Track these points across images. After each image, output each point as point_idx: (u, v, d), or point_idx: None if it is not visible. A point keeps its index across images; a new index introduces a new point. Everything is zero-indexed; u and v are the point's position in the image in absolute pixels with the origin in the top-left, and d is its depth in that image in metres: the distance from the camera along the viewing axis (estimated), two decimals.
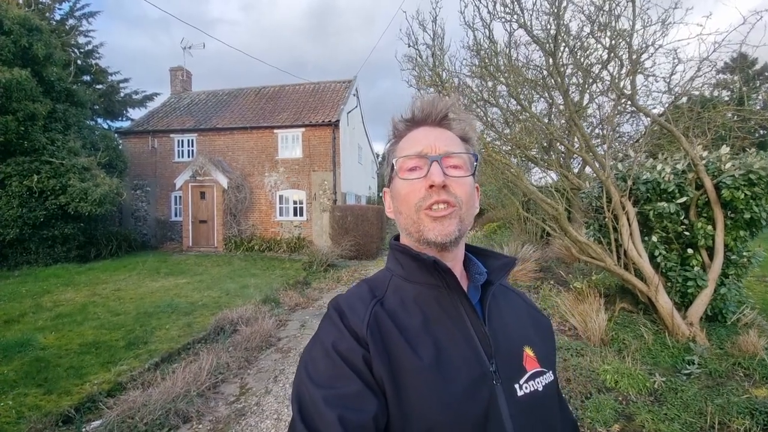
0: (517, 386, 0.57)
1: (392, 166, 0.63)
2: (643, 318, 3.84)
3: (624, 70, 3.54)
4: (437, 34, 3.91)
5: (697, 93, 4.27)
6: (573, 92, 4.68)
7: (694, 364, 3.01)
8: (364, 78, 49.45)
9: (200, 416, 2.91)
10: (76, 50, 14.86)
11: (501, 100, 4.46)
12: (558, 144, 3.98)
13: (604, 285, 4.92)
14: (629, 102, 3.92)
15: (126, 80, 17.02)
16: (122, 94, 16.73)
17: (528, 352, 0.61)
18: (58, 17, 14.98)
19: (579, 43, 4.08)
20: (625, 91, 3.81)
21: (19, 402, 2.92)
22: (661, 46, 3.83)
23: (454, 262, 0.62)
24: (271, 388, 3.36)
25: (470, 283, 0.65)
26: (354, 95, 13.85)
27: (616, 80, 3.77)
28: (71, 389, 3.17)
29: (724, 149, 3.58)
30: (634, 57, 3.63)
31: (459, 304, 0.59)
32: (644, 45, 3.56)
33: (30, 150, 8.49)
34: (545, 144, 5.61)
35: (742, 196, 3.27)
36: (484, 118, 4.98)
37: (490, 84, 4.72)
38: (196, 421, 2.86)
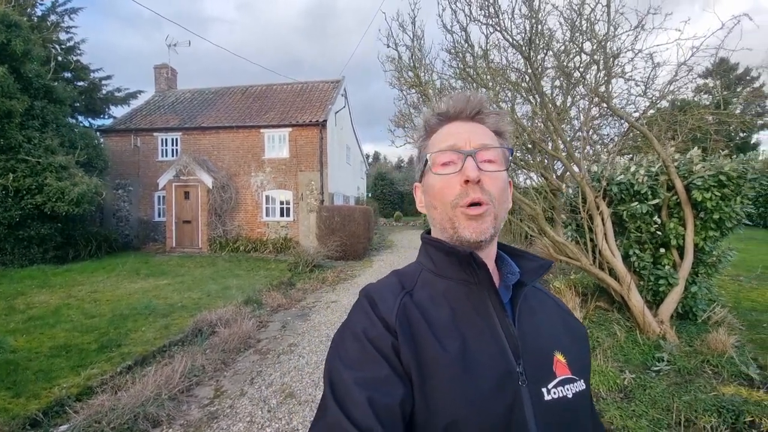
0: (544, 390, 0.55)
1: (425, 161, 0.62)
2: (618, 316, 3.91)
3: (601, 75, 3.60)
4: (417, 36, 3.93)
5: (671, 97, 4.39)
6: (556, 95, 4.76)
7: (663, 361, 3.07)
8: (355, 79, 49.34)
9: (171, 420, 2.85)
10: (57, 46, 14.44)
11: None
12: (537, 146, 4.03)
13: (582, 284, 5.01)
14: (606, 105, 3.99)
15: (109, 77, 16.60)
16: (104, 92, 16.32)
17: (559, 357, 0.59)
18: (39, 13, 14.55)
19: (561, 47, 4.14)
20: (603, 94, 3.89)
21: None
22: (640, 50, 3.91)
23: (487, 260, 0.61)
24: (247, 390, 3.32)
25: (501, 282, 0.64)
26: (342, 95, 13.81)
27: (592, 84, 3.84)
28: (40, 393, 3.07)
29: (695, 151, 3.68)
30: (609, 62, 3.70)
31: (489, 301, 0.58)
32: (618, 50, 3.63)
33: (6, 148, 8.22)
34: (529, 145, 5.70)
35: (712, 196, 3.36)
36: None
37: (474, 86, 4.78)
38: (166, 425, 2.79)
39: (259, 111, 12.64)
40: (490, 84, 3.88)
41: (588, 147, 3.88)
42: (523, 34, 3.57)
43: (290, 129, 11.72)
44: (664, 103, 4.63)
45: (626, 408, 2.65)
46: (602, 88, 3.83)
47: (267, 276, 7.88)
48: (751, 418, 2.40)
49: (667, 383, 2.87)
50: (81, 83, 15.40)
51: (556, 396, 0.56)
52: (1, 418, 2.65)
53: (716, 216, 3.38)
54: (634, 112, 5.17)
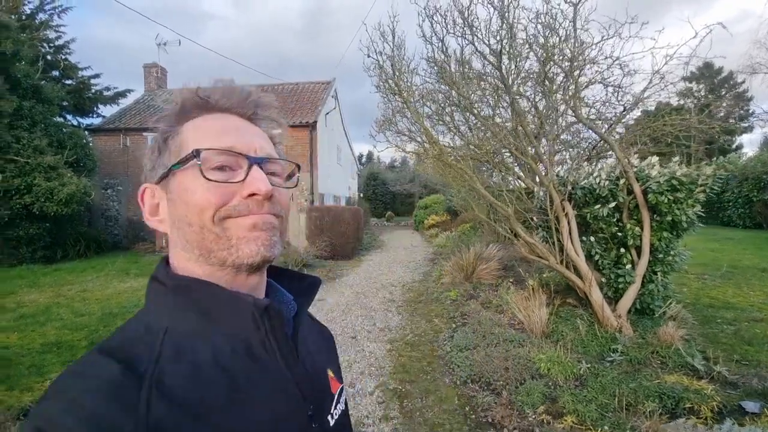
0: (329, 417, 0.54)
1: (184, 156, 0.46)
2: (583, 312, 4.19)
3: (570, 85, 3.86)
4: (397, 46, 4.15)
5: (642, 106, 4.67)
6: (539, 100, 5.00)
7: (617, 352, 3.35)
8: (348, 79, 49.44)
9: None
10: (45, 45, 14.35)
11: (455, 111, 4.74)
12: (508, 150, 4.28)
13: (554, 282, 5.28)
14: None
15: (97, 76, 16.49)
16: (93, 91, 16.22)
17: (330, 374, 0.58)
18: (28, 11, 14.43)
19: (529, 56, 4.39)
20: (570, 102, 4.15)
21: None
22: (617, 58, 4.15)
23: (260, 289, 0.51)
24: None
25: None
26: (333, 97, 13.98)
27: (560, 93, 4.10)
28: (33, 386, 3.23)
29: (654, 159, 3.96)
30: (575, 73, 3.97)
31: (278, 354, 0.47)
32: (584, 61, 3.89)
33: None
34: (511, 149, 5.98)
35: (666, 200, 3.64)
36: (450, 123, 5.26)
37: (454, 93, 5.02)
38: None
39: None
40: (463, 90, 4.11)
41: (552, 152, 4.14)
42: (495, 46, 3.81)
43: None
44: (638, 111, 4.92)
45: (578, 394, 2.90)
46: (570, 97, 4.09)
47: None
48: (690, 405, 2.67)
49: (618, 372, 3.13)
50: (69, 82, 15.30)
51: (337, 417, 0.55)
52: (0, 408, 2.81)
53: (669, 218, 3.66)
54: (611, 117, 5.48)
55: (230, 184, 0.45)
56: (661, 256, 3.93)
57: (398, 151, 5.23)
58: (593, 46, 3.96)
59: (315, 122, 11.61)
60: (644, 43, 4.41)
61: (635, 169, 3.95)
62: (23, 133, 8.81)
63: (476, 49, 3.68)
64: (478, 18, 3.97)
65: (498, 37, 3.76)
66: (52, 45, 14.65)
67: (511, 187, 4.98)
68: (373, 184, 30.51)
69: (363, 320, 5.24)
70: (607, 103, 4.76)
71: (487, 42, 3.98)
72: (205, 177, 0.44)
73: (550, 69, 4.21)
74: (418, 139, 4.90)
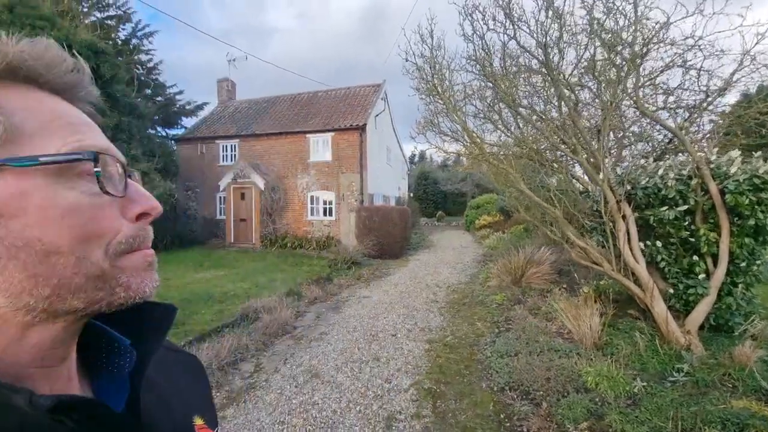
0: None
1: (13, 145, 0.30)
2: (644, 325, 3.79)
3: (630, 78, 3.54)
4: (435, 47, 4.15)
5: (735, 90, 4.06)
6: (594, 92, 4.61)
7: (681, 372, 2.98)
8: (401, 80, 49.70)
9: (219, 386, 3.46)
10: (139, 67, 16.85)
11: (503, 109, 4.58)
12: (556, 147, 4.02)
13: (613, 291, 4.84)
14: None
15: (181, 92, 18.95)
16: (177, 105, 18.64)
17: (198, 422, 0.47)
18: (123, 37, 17.09)
19: (582, 47, 4.08)
20: (630, 92, 3.79)
21: None
22: (700, 37, 3.68)
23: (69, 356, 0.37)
24: (280, 368, 3.85)
25: (97, 379, 0.40)
26: (383, 99, 14.25)
27: (617, 83, 3.76)
28: None
29: (734, 153, 3.44)
30: (637, 61, 3.61)
31: None
32: (647, 49, 3.52)
33: None
34: (559, 146, 5.58)
35: (747, 201, 3.15)
36: (499, 121, 5.10)
37: (503, 86, 4.85)
38: (215, 389, 3.40)
39: (305, 117, 13.58)
40: (506, 86, 3.97)
41: (605, 147, 3.80)
42: (541, 38, 3.62)
43: (332, 133, 12.44)
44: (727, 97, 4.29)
45: (629, 414, 2.67)
46: (630, 87, 3.74)
47: (308, 271, 8.58)
48: None
49: (680, 393, 2.80)
50: (159, 98, 17.74)
51: None
52: None
53: (752, 222, 3.15)
54: (690, 106, 4.84)
55: (108, 199, 0.34)
56: (743, 265, 3.40)
57: (440, 151, 5.21)
58: (666, 27, 3.54)
59: (364, 124, 11.96)
60: (730, 20, 3.84)
61: (712, 166, 3.46)
62: (122, 145, 10.47)
63: (519, 44, 3.53)
64: (524, 11, 3.81)
65: (544, 29, 3.57)
66: (144, 67, 17.08)
67: (561, 186, 4.68)
68: (423, 184, 30.36)
69: (405, 319, 5.33)
70: (686, 90, 4.22)
71: (534, 35, 3.80)
72: (104, 190, 0.33)
73: (609, 56, 3.87)
74: (461, 139, 4.83)
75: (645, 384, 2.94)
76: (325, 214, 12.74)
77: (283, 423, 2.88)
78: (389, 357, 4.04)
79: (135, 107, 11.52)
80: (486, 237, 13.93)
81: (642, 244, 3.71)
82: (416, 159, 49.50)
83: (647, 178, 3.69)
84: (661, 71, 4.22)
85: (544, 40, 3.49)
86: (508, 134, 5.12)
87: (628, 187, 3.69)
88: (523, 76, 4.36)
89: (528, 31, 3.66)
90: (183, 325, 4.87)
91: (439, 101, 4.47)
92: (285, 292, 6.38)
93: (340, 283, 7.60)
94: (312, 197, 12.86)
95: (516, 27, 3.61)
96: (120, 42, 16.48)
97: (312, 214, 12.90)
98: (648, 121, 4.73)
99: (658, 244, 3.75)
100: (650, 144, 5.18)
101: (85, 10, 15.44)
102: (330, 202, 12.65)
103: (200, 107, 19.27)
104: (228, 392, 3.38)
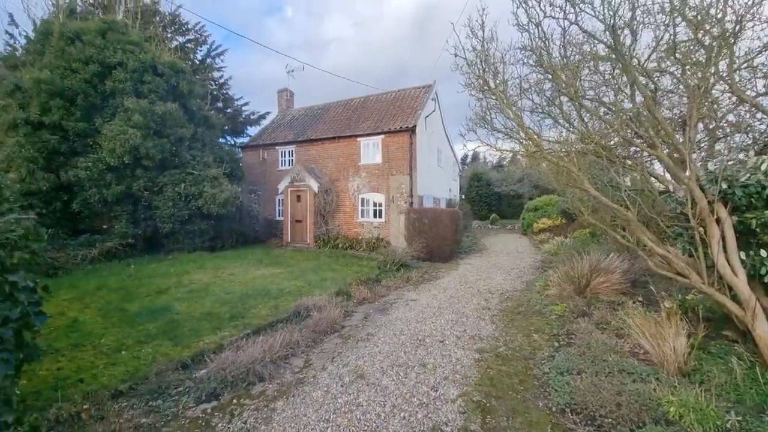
0: None
1: None
2: (743, 349, 3.16)
3: (713, 53, 3.01)
4: (486, 39, 3.91)
5: None
6: (689, 77, 3.99)
7: None
8: (453, 79, 48.65)
9: (271, 378, 3.63)
10: (212, 83, 18.75)
11: (565, 102, 4.17)
12: (631, 141, 3.53)
13: (704, 307, 4.13)
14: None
15: (246, 103, 20.67)
16: (243, 116, 20.36)
17: None
18: (199, 57, 19.16)
19: (663, 24, 3.56)
20: (724, 76, 3.22)
21: (155, 350, 4.12)
22: None
23: None
24: (328, 366, 3.92)
25: None
26: (433, 99, 14.05)
27: (706, 66, 3.21)
28: (190, 344, 4.28)
29: None
30: (730, 39, 3.05)
31: None
32: (738, 23, 2.95)
33: (179, 164, 11.20)
34: (631, 140, 4.91)
35: None
36: (560, 115, 4.69)
37: (563, 77, 4.43)
38: (268, 381, 3.58)
39: (357, 121, 13.91)
40: (566, 76, 3.60)
41: (692, 140, 3.24)
42: (608, 21, 3.23)
43: (383, 136, 12.56)
44: None
45: None
46: (723, 70, 3.18)
47: (358, 272, 8.72)
48: None
49: None
50: (228, 110, 19.54)
51: None
52: (165, 359, 3.84)
53: None
54: None
55: None
56: None
57: (492, 150, 4.92)
58: (759, 2, 2.94)
59: (414, 126, 11.88)
60: None
61: None
62: (197, 153, 11.68)
63: (581, 29, 3.18)
64: None
65: (612, 9, 3.17)
66: (216, 83, 18.93)
67: (636, 186, 4.13)
68: (476, 185, 29.26)
69: (453, 325, 5.13)
70: None
71: (600, 17, 3.40)
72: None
73: (696, 36, 3.33)
74: (515, 136, 4.52)
75: (740, 418, 2.45)
76: (374, 216, 12.89)
77: (328, 421, 2.91)
78: (436, 364, 3.90)
79: (208, 119, 12.81)
80: (545, 241, 12.95)
81: (742, 254, 3.11)
82: (468, 160, 47.99)
83: (747, 175, 3.08)
84: (760, 52, 3.52)
85: (612, 22, 3.10)
86: (570, 129, 4.67)
87: (724, 186, 3.12)
88: (587, 65, 3.93)
89: (592, 13, 3.29)
90: (243, 318, 5.23)
91: (492, 97, 4.23)
92: (335, 292, 6.54)
93: (388, 285, 7.59)
94: (362, 199, 13.11)
95: (578, 10, 3.27)
96: (197, 62, 18.51)
97: (362, 215, 13.14)
98: (747, 108, 3.97)
99: (763, 253, 3.10)
100: (750, 135, 4.34)
101: (169, 35, 17.61)
102: (380, 204, 12.78)
103: (263, 116, 20.83)
104: (279, 385, 3.53)
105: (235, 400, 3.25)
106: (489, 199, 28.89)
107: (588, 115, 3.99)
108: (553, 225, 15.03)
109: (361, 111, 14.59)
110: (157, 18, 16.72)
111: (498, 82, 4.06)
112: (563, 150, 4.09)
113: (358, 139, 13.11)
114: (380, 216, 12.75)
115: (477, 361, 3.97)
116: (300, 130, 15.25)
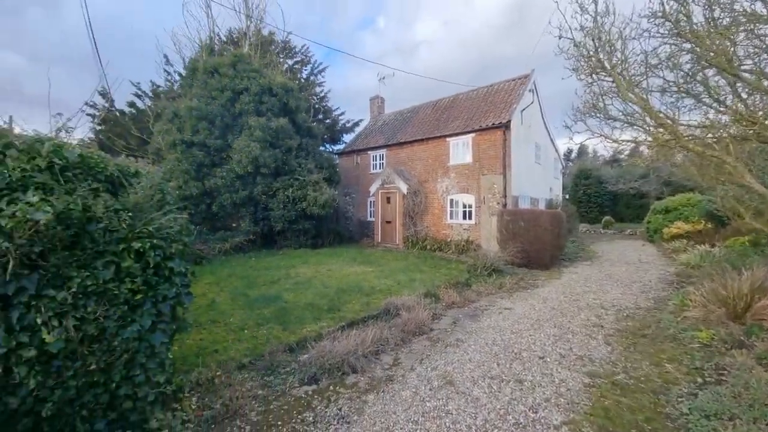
0: None
1: None
2: None
3: None
4: (599, 14, 3.33)
5: None
6: None
7: None
8: (555, 65, 43.90)
9: (363, 371, 3.81)
10: (314, 97, 20.87)
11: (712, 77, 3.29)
12: None
13: None
14: None
15: (342, 113, 22.40)
16: (340, 125, 22.11)
17: None
18: (304, 75, 21.53)
19: None
20: None
21: (269, 332, 4.74)
22: None
23: None
24: (416, 367, 3.92)
25: None
26: (530, 91, 12.86)
27: None
28: (296, 330, 4.80)
29: None
30: None
31: None
32: None
33: (288, 171, 12.76)
34: None
35: None
36: (704, 93, 3.76)
37: (708, 42, 3.49)
38: (359, 374, 3.77)
39: (446, 121, 13.68)
40: (713, 43, 2.82)
41: None
42: None
43: (473, 134, 12.06)
44: None
45: None
46: None
47: (446, 274, 8.55)
48: None
49: None
50: (327, 121, 21.48)
51: None
52: (276, 342, 4.37)
53: None
54: None
55: None
56: None
57: (607, 142, 4.21)
58: None
59: (508, 121, 11.08)
60: None
61: None
62: (302, 160, 13.13)
63: None
64: None
65: None
66: (317, 97, 20.99)
67: None
68: (583, 184, 25.64)
69: (556, 341, 4.58)
70: None
71: None
72: None
73: None
74: (638, 123, 3.76)
75: None
76: (464, 217, 12.45)
77: (416, 423, 2.90)
78: (535, 382, 3.53)
79: (311, 130, 14.29)
80: (681, 250, 10.57)
81: None
82: (573, 155, 42.56)
83: None
84: None
85: None
86: (721, 109, 3.67)
87: None
88: (742, 28, 3.04)
89: None
90: (338, 311, 5.65)
91: (607, 79, 3.62)
92: (423, 293, 6.52)
93: (479, 291, 7.22)
94: (451, 200, 12.81)
95: None
96: (303, 80, 20.88)
97: (451, 217, 12.84)
98: None
99: None
100: None
101: (281, 59, 20.27)
102: (469, 206, 12.29)
103: (356, 124, 22.26)
104: (370, 379, 3.67)
105: (331, 387, 3.51)
106: (600, 200, 25.02)
107: (747, 90, 3.08)
108: (692, 230, 12.16)
109: (450, 110, 14.30)
110: (272, 46, 19.44)
111: (615, 61, 3.44)
112: (710, 136, 3.24)
113: (447, 139, 12.87)
114: (470, 218, 12.26)
115: (587, 387, 3.44)
116: (390, 134, 15.76)
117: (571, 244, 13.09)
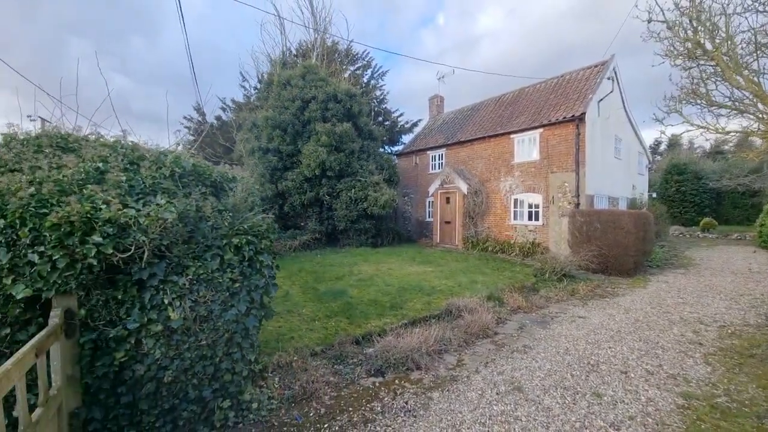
0: None
1: None
2: None
3: None
4: None
5: None
6: None
7: None
8: (640, 52, 38.88)
9: (426, 369, 3.88)
10: (374, 101, 21.44)
11: None
12: None
13: None
14: None
15: (401, 114, 22.63)
16: (398, 126, 22.37)
17: None
18: (365, 80, 22.21)
19: None
20: None
21: (336, 324, 5.05)
22: None
23: None
24: (481, 370, 3.88)
25: None
26: (609, 79, 11.64)
27: None
28: (361, 324, 5.05)
29: None
30: None
31: None
32: None
33: (350, 173, 13.34)
34: None
35: None
36: None
37: None
38: (423, 371, 3.85)
39: (509, 117, 13.06)
40: None
41: None
42: None
43: (541, 130, 11.32)
44: None
45: None
46: None
47: (510, 278, 8.18)
48: None
49: None
50: (386, 123, 21.89)
51: None
52: (344, 333, 4.65)
53: None
54: None
55: None
56: None
57: (709, 132, 3.67)
58: None
59: (583, 114, 10.18)
60: None
61: None
62: (363, 162, 13.61)
63: None
64: None
65: None
66: (377, 100, 21.51)
67: None
68: (676, 180, 22.29)
69: (641, 356, 4.14)
70: None
71: None
72: None
73: None
74: (749, 109, 3.22)
75: None
76: (530, 218, 11.76)
77: (483, 425, 2.89)
78: (616, 398, 3.26)
79: (372, 132, 14.75)
80: None
81: None
82: (662, 148, 37.31)
83: None
84: None
85: None
86: None
87: None
88: None
89: None
90: (400, 309, 5.79)
91: (708, 62, 3.18)
92: (486, 296, 6.36)
93: (548, 296, 6.79)
94: (515, 200, 12.18)
95: None
96: (364, 84, 21.59)
97: (515, 218, 12.21)
98: None
99: None
100: None
101: (344, 67, 21.22)
102: (536, 206, 11.56)
103: (415, 124, 22.32)
104: (434, 377, 3.73)
105: (396, 381, 3.64)
106: (698, 198, 21.56)
107: None
108: None
109: (514, 106, 13.61)
110: (336, 55, 20.46)
111: (718, 41, 3.00)
112: None
113: (512, 136, 12.27)
114: (536, 218, 11.53)
115: (680, 408, 3.08)
116: (449, 134, 15.53)
117: (660, 249, 11.55)
